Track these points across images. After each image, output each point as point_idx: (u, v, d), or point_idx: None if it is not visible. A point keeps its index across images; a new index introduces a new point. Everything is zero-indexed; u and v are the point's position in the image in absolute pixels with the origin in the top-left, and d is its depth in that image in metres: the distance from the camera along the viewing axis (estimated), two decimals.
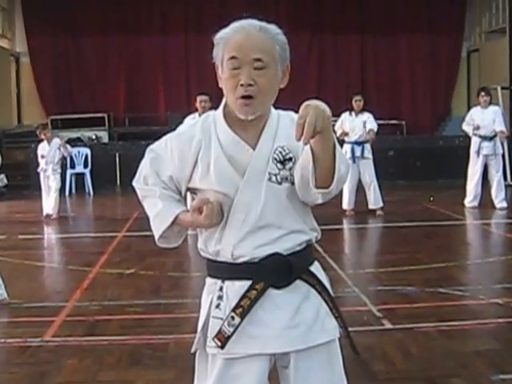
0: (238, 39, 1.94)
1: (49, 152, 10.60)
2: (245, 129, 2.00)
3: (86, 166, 14.50)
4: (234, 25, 1.98)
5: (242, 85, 1.92)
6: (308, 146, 1.84)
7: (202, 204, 1.94)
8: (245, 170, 1.97)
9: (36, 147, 11.12)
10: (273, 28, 1.99)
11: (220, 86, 2.02)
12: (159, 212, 2.06)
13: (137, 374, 3.98)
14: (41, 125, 11.63)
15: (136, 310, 5.29)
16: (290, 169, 1.97)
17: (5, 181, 13.56)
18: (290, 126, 1.98)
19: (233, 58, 1.93)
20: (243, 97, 1.93)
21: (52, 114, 16.49)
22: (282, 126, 2.02)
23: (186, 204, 2.11)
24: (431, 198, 10.81)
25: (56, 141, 10.81)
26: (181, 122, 7.83)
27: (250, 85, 1.92)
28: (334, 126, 9.87)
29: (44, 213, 10.52)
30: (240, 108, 1.95)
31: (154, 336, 4.61)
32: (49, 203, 10.54)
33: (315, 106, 1.77)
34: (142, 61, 17.70)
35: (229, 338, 1.96)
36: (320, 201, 1.95)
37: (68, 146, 10.92)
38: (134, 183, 2.13)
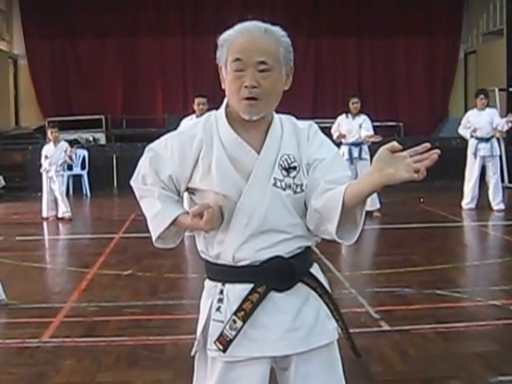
0: (242, 41, 1.94)
1: (54, 153, 10.61)
2: (247, 130, 1.99)
3: (83, 168, 14.51)
4: (239, 26, 1.97)
5: (246, 86, 1.92)
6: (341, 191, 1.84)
7: (203, 209, 1.91)
8: (248, 173, 1.95)
9: (33, 149, 11.12)
10: (277, 30, 1.99)
11: (223, 87, 2.01)
12: (158, 213, 2.03)
13: (134, 374, 3.98)
14: (50, 123, 11.65)
15: (133, 311, 5.29)
16: (294, 177, 1.97)
17: (2, 182, 13.59)
18: (295, 134, 2.01)
19: (237, 59, 1.93)
20: (247, 98, 1.93)
21: (49, 116, 16.39)
22: (287, 132, 2.02)
23: (182, 204, 2.09)
24: (421, 200, 10.86)
25: (63, 143, 10.84)
26: (178, 124, 7.84)
27: (255, 87, 1.92)
28: (330, 128, 9.92)
29: (46, 215, 10.63)
30: (244, 109, 1.94)
31: (152, 337, 4.62)
32: (59, 208, 10.60)
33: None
34: (140, 63, 17.68)
35: (231, 341, 1.94)
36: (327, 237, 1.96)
37: (72, 157, 10.99)
38: (132, 182, 2.10)
